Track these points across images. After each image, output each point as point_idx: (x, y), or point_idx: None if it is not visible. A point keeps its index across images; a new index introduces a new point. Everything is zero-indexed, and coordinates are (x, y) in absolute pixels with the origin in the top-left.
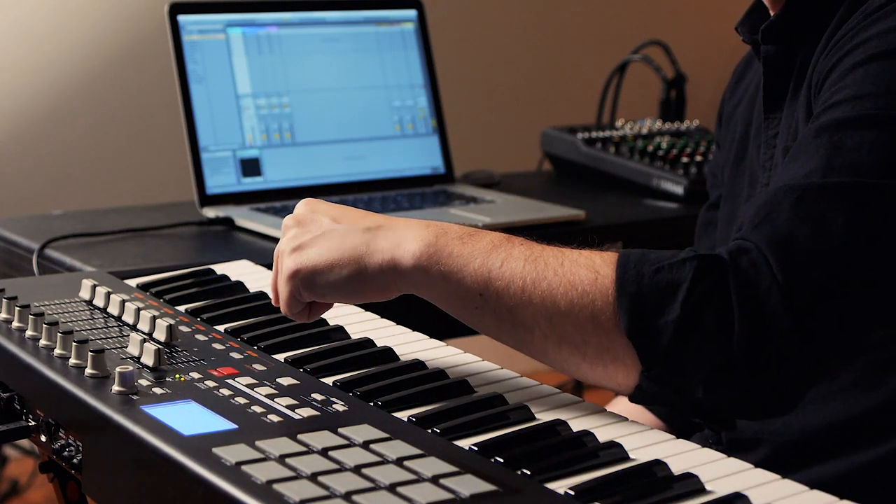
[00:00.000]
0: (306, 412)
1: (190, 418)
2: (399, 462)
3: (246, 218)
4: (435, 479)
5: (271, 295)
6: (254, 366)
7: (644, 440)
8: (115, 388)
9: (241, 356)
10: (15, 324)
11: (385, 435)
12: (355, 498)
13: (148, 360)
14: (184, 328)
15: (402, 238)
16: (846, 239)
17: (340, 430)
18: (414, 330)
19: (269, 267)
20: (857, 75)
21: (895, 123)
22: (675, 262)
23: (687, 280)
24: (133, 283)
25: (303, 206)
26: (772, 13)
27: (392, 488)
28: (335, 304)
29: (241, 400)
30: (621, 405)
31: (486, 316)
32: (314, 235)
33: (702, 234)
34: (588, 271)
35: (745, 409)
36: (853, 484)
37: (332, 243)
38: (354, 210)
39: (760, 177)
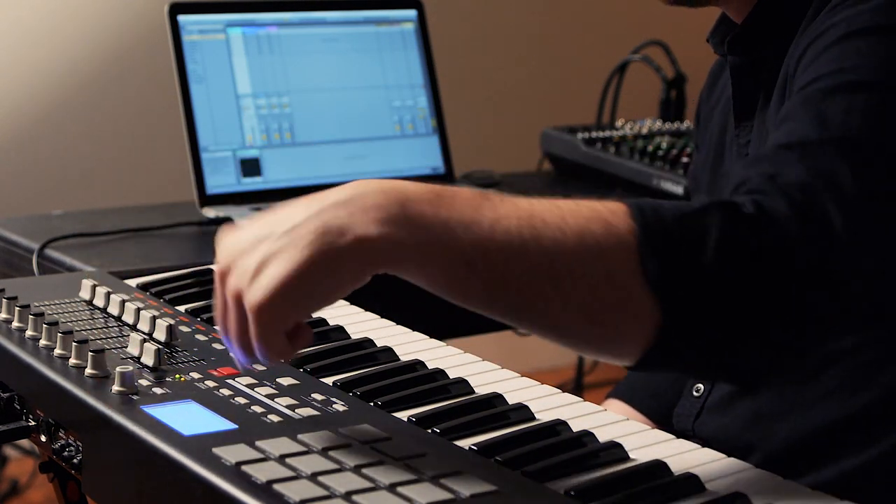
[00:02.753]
0: (306, 412)
1: (190, 418)
2: (399, 462)
3: (246, 218)
4: (435, 479)
5: (236, 354)
6: (253, 365)
7: (644, 440)
8: (115, 388)
9: None
10: (15, 324)
11: (385, 435)
12: (355, 498)
13: (148, 360)
14: (184, 328)
15: (359, 209)
16: (855, 192)
17: (340, 430)
18: (414, 330)
19: None
20: (832, 53)
21: (879, 88)
22: (698, 210)
23: (716, 225)
24: (133, 283)
25: (225, 242)
26: (738, 23)
27: (392, 488)
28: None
29: (241, 400)
30: (613, 407)
31: (474, 287)
32: (263, 254)
33: None
34: (598, 223)
35: (770, 356)
36: (844, 489)
37: (288, 247)
38: (281, 209)
39: None
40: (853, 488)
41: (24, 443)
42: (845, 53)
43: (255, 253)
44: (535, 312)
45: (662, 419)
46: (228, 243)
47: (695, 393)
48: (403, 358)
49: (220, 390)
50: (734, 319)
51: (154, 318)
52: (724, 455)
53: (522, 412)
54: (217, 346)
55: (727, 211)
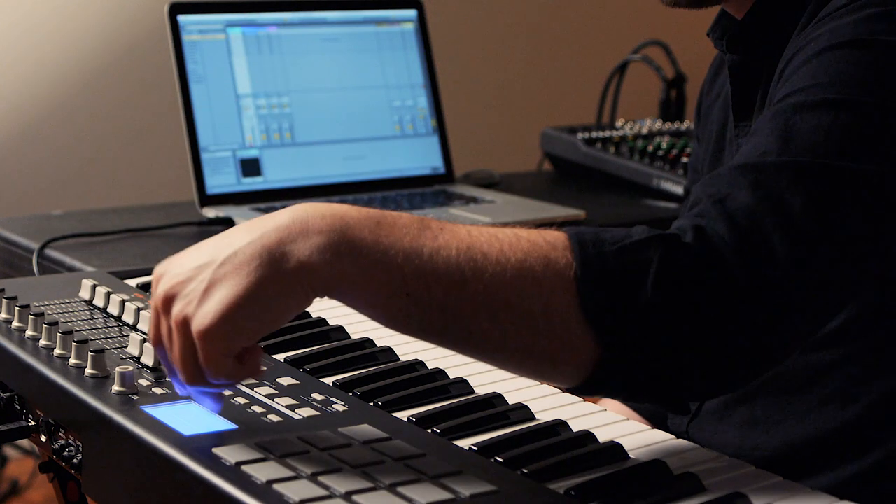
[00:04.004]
0: (306, 412)
1: (190, 418)
2: (399, 462)
3: (246, 218)
4: (435, 479)
5: (176, 381)
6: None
7: (644, 440)
8: (115, 388)
9: None
10: (15, 324)
11: (385, 435)
12: (355, 498)
13: (148, 360)
14: None
15: (300, 235)
16: (804, 220)
17: (340, 430)
18: None
19: None
20: (810, 67)
21: (849, 107)
22: (638, 242)
23: (655, 260)
24: (133, 283)
25: (164, 270)
26: (738, 19)
27: (392, 488)
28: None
29: (241, 400)
30: (610, 407)
31: (413, 316)
32: (207, 280)
33: None
34: (536, 258)
35: (705, 384)
36: (840, 497)
37: (233, 273)
38: (220, 236)
39: None
40: (848, 496)
41: (24, 443)
42: (822, 68)
43: (199, 279)
44: (474, 343)
45: (660, 420)
46: (169, 270)
47: None
48: (403, 358)
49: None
50: (672, 353)
51: None
52: (724, 455)
53: (522, 412)
54: None
55: (667, 244)
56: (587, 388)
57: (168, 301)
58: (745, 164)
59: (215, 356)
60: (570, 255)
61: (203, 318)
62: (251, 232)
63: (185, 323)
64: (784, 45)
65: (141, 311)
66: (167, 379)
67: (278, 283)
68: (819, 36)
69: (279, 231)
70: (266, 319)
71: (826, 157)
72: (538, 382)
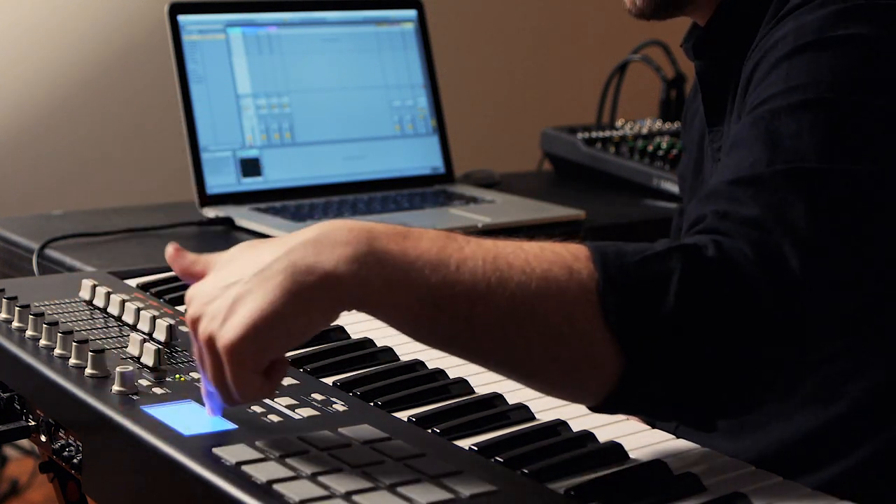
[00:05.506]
0: (306, 412)
1: (190, 418)
2: (399, 462)
3: (246, 218)
4: (435, 479)
5: (209, 401)
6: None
7: (644, 440)
8: (115, 388)
9: None
10: (15, 324)
11: (385, 435)
12: (355, 498)
13: (148, 360)
14: (184, 328)
15: (327, 247)
16: (809, 225)
17: (340, 430)
18: None
19: None
20: (781, 71)
21: (826, 107)
22: (660, 254)
23: (677, 271)
24: (133, 283)
25: (194, 292)
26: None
27: (392, 488)
28: None
29: None
30: None
31: (440, 326)
32: (232, 297)
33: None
34: (560, 268)
35: (733, 400)
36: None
37: (258, 288)
38: (248, 252)
39: None
40: (837, 495)
41: (24, 443)
42: (794, 70)
43: (225, 296)
44: (499, 354)
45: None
46: (198, 293)
47: None
48: (403, 358)
49: None
50: (696, 366)
51: (154, 318)
52: (724, 455)
53: (522, 412)
54: None
55: (689, 255)
56: (611, 405)
57: (195, 322)
58: (738, 178)
59: (241, 372)
60: (593, 265)
61: (226, 334)
62: (277, 247)
63: (211, 341)
64: (748, 46)
65: (141, 311)
66: (203, 399)
67: (304, 295)
68: (784, 37)
69: (305, 245)
70: (293, 333)
71: (816, 161)
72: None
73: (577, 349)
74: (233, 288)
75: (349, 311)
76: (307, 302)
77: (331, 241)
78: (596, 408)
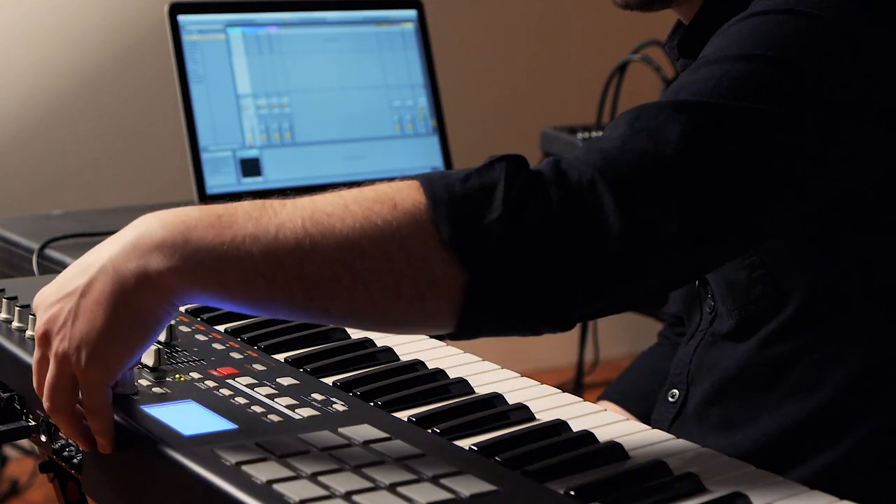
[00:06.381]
0: (306, 412)
1: (190, 418)
2: (399, 462)
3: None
4: (435, 479)
5: (48, 405)
6: (254, 366)
7: (644, 440)
8: (115, 388)
9: (241, 356)
10: (15, 324)
11: (385, 435)
12: (355, 498)
13: (148, 360)
14: (184, 328)
15: (145, 251)
16: (678, 148)
17: (340, 430)
18: None
19: None
20: (730, 32)
21: (746, 60)
22: (484, 166)
23: (501, 179)
24: None
25: (37, 307)
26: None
27: (392, 488)
28: None
29: (241, 400)
30: (610, 406)
31: (276, 295)
32: (70, 316)
33: None
34: (382, 204)
35: (579, 296)
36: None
37: (92, 307)
38: (75, 264)
39: None
40: (824, 488)
41: (24, 443)
42: (741, 31)
43: (64, 316)
44: (342, 306)
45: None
46: (41, 303)
47: (670, 399)
48: (403, 358)
49: (220, 390)
50: (531, 266)
51: None
52: (724, 455)
53: (522, 412)
54: (217, 346)
55: (511, 162)
56: (465, 327)
57: (46, 338)
58: (628, 110)
59: (95, 387)
60: (417, 192)
61: (82, 358)
62: (100, 257)
63: (66, 360)
64: None
65: None
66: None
67: (137, 304)
68: (734, 22)
69: (125, 252)
70: (134, 341)
71: (708, 98)
72: (538, 383)
73: (418, 277)
74: (69, 301)
75: (187, 304)
76: (141, 309)
77: (147, 244)
78: (453, 335)
